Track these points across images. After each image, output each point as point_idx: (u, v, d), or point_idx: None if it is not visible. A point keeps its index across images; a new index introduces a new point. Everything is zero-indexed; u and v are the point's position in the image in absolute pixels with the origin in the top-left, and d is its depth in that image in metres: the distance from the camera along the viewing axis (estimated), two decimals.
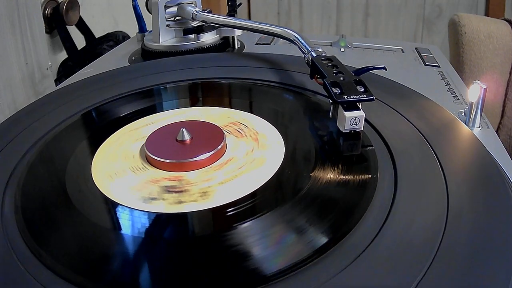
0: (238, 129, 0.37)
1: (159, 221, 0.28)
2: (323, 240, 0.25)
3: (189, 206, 0.28)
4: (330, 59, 0.40)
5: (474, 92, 0.37)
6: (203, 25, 0.57)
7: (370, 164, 0.31)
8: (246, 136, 0.36)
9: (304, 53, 0.44)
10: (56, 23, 0.75)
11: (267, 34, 0.53)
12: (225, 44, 0.59)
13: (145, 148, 0.33)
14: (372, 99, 0.34)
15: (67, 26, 0.76)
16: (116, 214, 0.28)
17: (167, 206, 0.28)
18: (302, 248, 0.24)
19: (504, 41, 0.71)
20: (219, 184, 0.30)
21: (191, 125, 0.35)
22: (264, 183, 0.30)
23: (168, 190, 0.30)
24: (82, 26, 0.81)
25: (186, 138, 0.33)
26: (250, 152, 0.33)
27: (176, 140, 0.34)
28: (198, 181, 0.31)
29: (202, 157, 0.32)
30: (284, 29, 0.49)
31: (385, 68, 0.41)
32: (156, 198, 0.29)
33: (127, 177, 0.31)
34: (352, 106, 0.34)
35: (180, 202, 0.29)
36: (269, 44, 0.62)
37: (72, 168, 0.33)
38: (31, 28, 0.64)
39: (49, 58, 0.70)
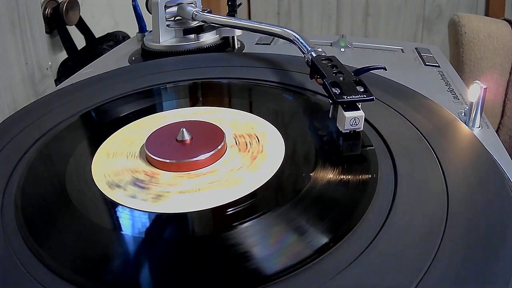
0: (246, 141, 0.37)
1: (160, 221, 0.28)
2: (323, 240, 0.25)
3: (209, 202, 0.28)
4: (330, 59, 0.40)
5: (474, 92, 0.37)
6: (203, 25, 0.57)
7: (370, 164, 0.31)
8: (244, 134, 0.36)
9: (304, 53, 0.44)
10: (56, 23, 0.75)
11: (267, 34, 0.53)
12: (225, 44, 0.59)
13: (145, 148, 0.33)
14: (372, 99, 0.34)
15: (67, 26, 0.76)
16: (116, 214, 0.28)
17: (188, 205, 0.28)
18: (302, 248, 0.24)
19: (504, 41, 0.71)
20: (222, 182, 0.30)
21: (191, 125, 0.35)
22: (264, 183, 0.30)
23: (182, 190, 0.30)
24: (82, 26, 0.81)
25: (186, 138, 0.33)
26: (252, 146, 0.34)
27: (176, 140, 0.34)
28: (210, 177, 0.31)
29: (202, 157, 0.32)
30: (284, 29, 0.49)
31: (385, 68, 0.41)
32: (173, 199, 0.29)
33: (131, 179, 0.31)
34: (352, 106, 0.34)
35: (200, 199, 0.29)
36: (269, 44, 0.62)
37: (72, 168, 0.33)
38: (31, 28, 0.64)
39: (49, 58, 0.70)
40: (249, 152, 0.34)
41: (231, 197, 0.29)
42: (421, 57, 0.56)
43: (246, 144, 0.35)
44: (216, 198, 0.29)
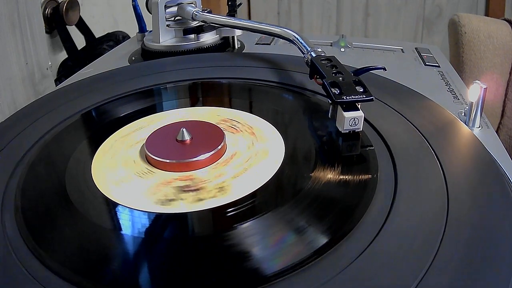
0: (232, 126, 0.37)
1: (159, 221, 0.28)
2: (323, 240, 0.25)
3: (209, 202, 0.28)
4: (329, 59, 0.40)
5: (474, 92, 0.37)
6: (203, 25, 0.57)
7: (370, 164, 0.31)
8: (241, 131, 0.36)
9: (303, 53, 0.44)
10: (56, 23, 0.75)
11: (267, 34, 0.53)
12: (225, 44, 0.59)
13: (145, 148, 0.33)
14: (371, 99, 0.34)
15: (67, 26, 0.76)
16: (116, 214, 0.28)
17: (188, 205, 0.28)
18: (302, 249, 0.24)
19: (504, 41, 0.71)
20: (232, 179, 0.30)
21: (191, 125, 0.35)
22: (264, 184, 0.30)
23: (183, 189, 0.30)
24: (82, 26, 0.81)
25: (186, 138, 0.33)
26: (251, 146, 0.34)
27: (176, 140, 0.34)
28: (211, 177, 0.31)
29: (203, 157, 0.32)
30: (284, 29, 0.49)
31: (384, 68, 0.41)
32: (174, 199, 0.29)
33: (131, 180, 0.31)
34: (351, 106, 0.34)
35: (200, 199, 0.29)
36: (269, 44, 0.62)
37: (72, 168, 0.33)
38: (31, 28, 0.64)
39: (49, 58, 0.70)
40: (249, 152, 0.34)
41: (231, 198, 0.29)
42: (421, 57, 0.56)
43: (246, 144, 0.35)
44: (216, 198, 0.29)
